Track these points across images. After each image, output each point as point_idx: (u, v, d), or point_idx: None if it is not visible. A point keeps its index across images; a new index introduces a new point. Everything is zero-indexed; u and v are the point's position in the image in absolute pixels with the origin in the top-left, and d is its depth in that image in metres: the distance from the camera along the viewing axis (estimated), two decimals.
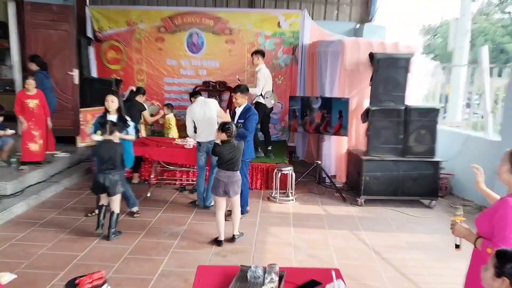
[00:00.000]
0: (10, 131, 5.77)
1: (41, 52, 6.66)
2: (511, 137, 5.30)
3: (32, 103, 5.65)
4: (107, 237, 4.34)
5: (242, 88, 4.87)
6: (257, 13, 8.27)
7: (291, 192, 5.86)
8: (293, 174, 5.86)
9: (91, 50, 8.26)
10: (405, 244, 4.56)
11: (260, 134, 7.07)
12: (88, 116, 5.49)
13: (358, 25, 8.73)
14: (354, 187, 6.08)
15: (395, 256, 4.25)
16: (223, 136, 4.17)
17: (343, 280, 2.32)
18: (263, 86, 6.34)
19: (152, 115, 6.86)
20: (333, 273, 2.32)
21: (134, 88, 6.74)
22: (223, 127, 4.18)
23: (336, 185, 6.31)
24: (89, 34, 8.17)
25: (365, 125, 5.92)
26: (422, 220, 5.30)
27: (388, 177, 5.67)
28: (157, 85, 8.38)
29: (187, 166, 6.16)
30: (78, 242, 4.26)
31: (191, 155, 5.55)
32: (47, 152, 6.05)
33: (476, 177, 2.42)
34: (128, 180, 6.20)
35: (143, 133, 6.97)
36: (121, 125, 4.55)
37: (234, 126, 4.22)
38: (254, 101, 6.33)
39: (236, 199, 4.37)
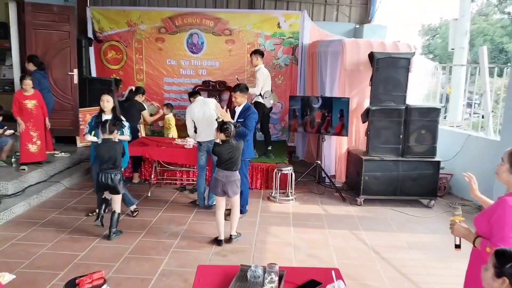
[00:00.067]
0: (9, 131, 5.78)
1: (41, 52, 6.67)
2: (511, 137, 5.31)
3: (30, 104, 5.64)
4: (108, 237, 4.35)
5: (241, 87, 4.87)
6: (257, 14, 8.29)
7: (291, 192, 5.87)
8: (293, 174, 5.87)
9: (91, 50, 8.28)
10: (405, 244, 4.57)
11: (259, 134, 7.09)
12: (88, 116, 5.52)
13: (357, 26, 8.74)
14: (353, 187, 6.09)
15: (395, 256, 4.25)
16: (222, 136, 4.18)
17: (343, 280, 2.33)
18: (262, 86, 6.35)
19: (151, 115, 6.87)
20: (333, 273, 2.33)
21: (133, 88, 6.76)
22: (221, 127, 4.18)
23: (336, 185, 6.33)
24: (90, 34, 8.19)
25: (365, 125, 5.93)
26: (422, 220, 5.31)
27: (388, 177, 5.67)
28: (156, 85, 8.40)
29: (187, 166, 6.16)
30: (79, 242, 4.27)
31: (191, 155, 5.56)
32: (47, 152, 6.06)
33: (469, 185, 2.44)
34: (128, 180, 6.23)
35: (142, 133, 6.99)
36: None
37: (232, 126, 4.23)
38: (253, 101, 6.34)
39: (236, 199, 4.38)
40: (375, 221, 5.23)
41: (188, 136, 5.56)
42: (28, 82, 5.62)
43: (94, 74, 8.32)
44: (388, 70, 5.62)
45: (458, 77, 7.55)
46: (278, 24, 8.08)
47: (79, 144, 7.11)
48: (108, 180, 4.30)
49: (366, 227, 4.99)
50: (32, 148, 5.71)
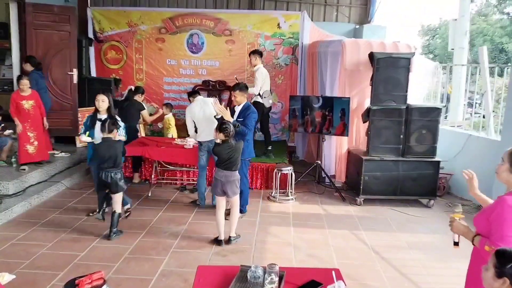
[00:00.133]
0: (8, 131, 5.77)
1: (41, 52, 6.67)
2: (511, 137, 5.30)
3: (27, 104, 5.62)
4: (108, 237, 4.35)
5: (241, 86, 4.86)
6: (257, 14, 8.30)
7: (291, 192, 5.87)
8: (293, 174, 5.87)
9: (91, 50, 8.29)
10: (405, 244, 4.56)
11: (259, 134, 7.09)
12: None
13: (357, 26, 8.74)
14: (353, 187, 6.08)
15: (395, 256, 4.25)
16: (221, 136, 4.17)
17: (343, 281, 2.33)
18: (261, 85, 6.35)
19: (151, 115, 6.87)
20: (333, 273, 2.33)
21: (133, 88, 6.75)
22: (220, 127, 4.18)
23: (336, 185, 6.33)
24: (90, 35, 8.20)
25: (365, 125, 5.93)
26: (422, 219, 5.31)
27: (388, 177, 5.67)
28: (156, 85, 8.41)
29: (187, 166, 6.16)
30: (79, 242, 4.27)
31: (191, 155, 5.56)
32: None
33: (468, 182, 2.42)
34: (129, 180, 6.23)
35: (142, 133, 6.99)
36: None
37: (231, 126, 4.22)
38: (252, 101, 6.34)
39: (235, 200, 4.37)
40: (375, 221, 5.23)
41: (188, 136, 5.57)
42: (25, 82, 5.60)
43: (94, 74, 8.32)
44: (389, 70, 5.62)
45: (458, 77, 7.56)
46: (278, 24, 8.08)
47: (79, 144, 7.11)
48: (108, 179, 4.30)
49: (366, 227, 4.99)
50: (30, 149, 5.70)
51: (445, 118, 7.38)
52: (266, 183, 6.31)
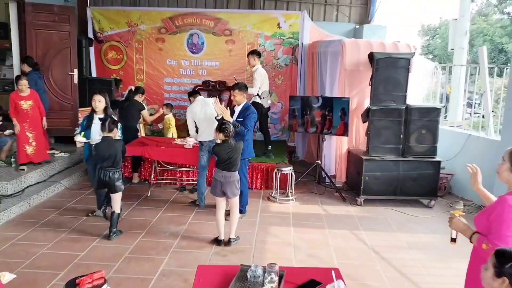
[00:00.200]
0: (7, 131, 5.77)
1: (41, 52, 6.67)
2: (511, 137, 5.31)
3: (26, 105, 5.60)
4: (108, 237, 4.35)
5: (240, 85, 4.86)
6: (257, 14, 8.29)
7: (291, 192, 5.87)
8: (293, 174, 5.87)
9: (91, 50, 8.29)
10: (405, 244, 4.56)
11: (259, 134, 7.09)
12: None
13: (357, 26, 8.74)
14: (353, 187, 6.09)
15: (395, 256, 4.25)
16: (221, 136, 4.18)
17: (343, 280, 2.33)
18: (260, 86, 6.35)
19: (151, 115, 6.87)
20: (333, 273, 2.33)
21: (133, 88, 6.76)
22: (220, 127, 4.18)
23: (336, 185, 6.33)
24: (90, 35, 8.20)
25: (365, 125, 5.93)
26: (422, 220, 5.31)
27: (388, 177, 5.67)
28: (156, 85, 8.40)
29: (187, 166, 6.16)
30: (79, 242, 4.27)
31: (191, 155, 5.55)
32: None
33: (472, 176, 2.41)
34: (128, 180, 6.23)
35: (142, 133, 6.99)
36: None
37: (231, 126, 4.23)
38: (251, 101, 6.34)
39: (235, 201, 4.36)
40: (375, 221, 5.23)
41: (189, 136, 5.57)
42: (24, 82, 5.58)
43: (94, 74, 8.32)
44: (388, 70, 5.62)
45: (458, 77, 7.55)
46: (278, 24, 8.08)
47: (79, 144, 7.11)
48: (106, 178, 4.30)
49: (366, 227, 4.99)
50: (29, 150, 5.69)
51: (445, 118, 7.38)
52: (266, 183, 6.31)
